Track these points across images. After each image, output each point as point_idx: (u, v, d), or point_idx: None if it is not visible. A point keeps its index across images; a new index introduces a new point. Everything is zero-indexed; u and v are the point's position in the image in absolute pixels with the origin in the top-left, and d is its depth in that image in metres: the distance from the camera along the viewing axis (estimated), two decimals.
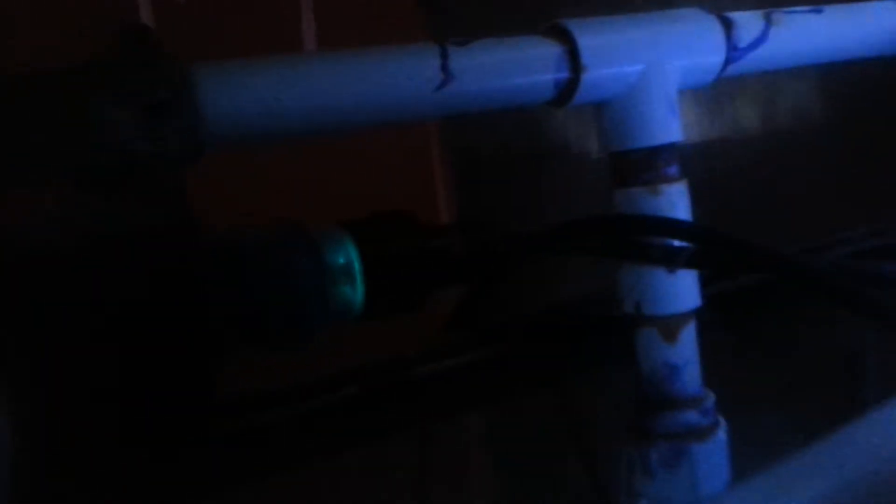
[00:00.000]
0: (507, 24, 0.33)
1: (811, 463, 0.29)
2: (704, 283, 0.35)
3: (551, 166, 0.55)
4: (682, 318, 0.34)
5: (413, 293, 0.35)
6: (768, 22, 0.37)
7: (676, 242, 0.34)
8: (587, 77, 0.32)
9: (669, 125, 0.34)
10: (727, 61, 0.36)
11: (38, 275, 0.36)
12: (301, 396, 0.46)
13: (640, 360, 0.35)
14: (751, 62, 0.36)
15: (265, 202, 0.44)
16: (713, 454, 0.34)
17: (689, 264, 0.34)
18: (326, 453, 0.46)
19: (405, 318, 0.35)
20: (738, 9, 0.37)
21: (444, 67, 0.30)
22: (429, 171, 0.50)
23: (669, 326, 0.34)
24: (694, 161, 0.37)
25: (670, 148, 0.34)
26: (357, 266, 0.32)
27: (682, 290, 0.34)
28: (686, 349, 0.35)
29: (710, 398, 0.35)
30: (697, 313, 0.35)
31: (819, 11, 0.38)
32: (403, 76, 0.30)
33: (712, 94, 0.61)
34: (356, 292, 0.32)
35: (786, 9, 0.38)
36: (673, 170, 0.34)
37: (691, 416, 0.34)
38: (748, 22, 0.36)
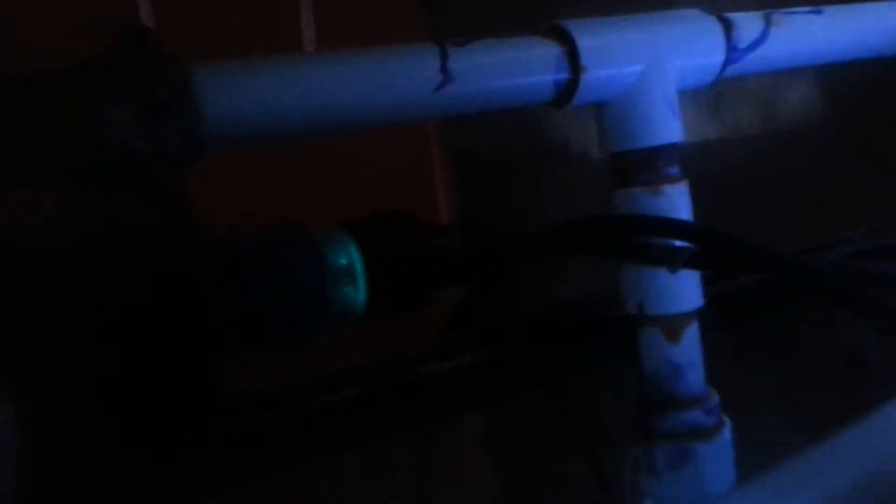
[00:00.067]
0: (508, 25, 0.33)
1: (816, 463, 0.29)
2: (706, 284, 0.35)
3: (551, 166, 0.55)
4: (684, 317, 0.34)
5: (414, 293, 0.35)
6: (768, 23, 0.37)
7: (677, 243, 0.34)
8: (587, 78, 0.32)
9: (669, 125, 0.34)
10: (727, 62, 0.36)
11: (38, 275, 0.36)
12: (302, 396, 0.46)
13: (643, 360, 0.35)
14: (750, 63, 0.36)
15: (265, 202, 0.44)
16: (718, 454, 0.34)
17: (690, 265, 0.34)
18: (327, 453, 0.46)
19: (406, 319, 0.35)
20: (737, 9, 0.37)
21: (444, 68, 0.30)
22: (429, 171, 0.50)
23: (672, 326, 0.34)
24: (694, 161, 0.37)
25: (671, 148, 0.34)
26: (359, 266, 0.32)
27: (685, 289, 0.34)
28: (689, 349, 0.35)
29: (715, 398, 0.35)
30: (700, 313, 0.35)
31: (819, 12, 0.38)
32: (403, 77, 0.30)
33: (712, 94, 0.61)
34: (358, 293, 0.32)
35: (786, 9, 0.38)
36: (674, 170, 0.34)
37: (696, 415, 0.34)
38: (748, 23, 0.36)
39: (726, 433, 0.35)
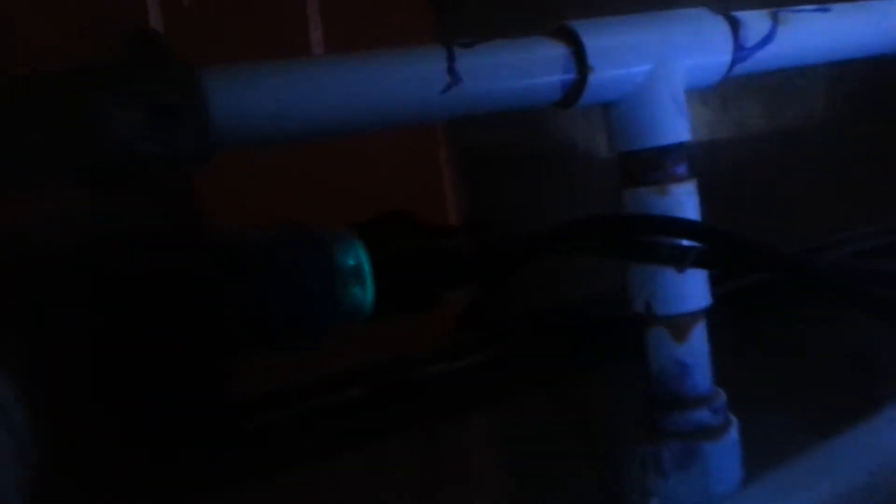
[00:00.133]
0: (515, 26, 0.33)
1: (824, 462, 0.29)
2: (714, 283, 0.35)
3: (558, 167, 0.55)
4: (692, 316, 0.34)
5: (421, 294, 0.35)
6: (775, 21, 0.37)
7: (685, 242, 0.34)
8: (594, 78, 0.32)
9: (677, 125, 0.34)
10: (734, 61, 0.36)
11: (46, 275, 0.36)
12: (309, 397, 0.46)
13: (651, 359, 0.35)
14: (758, 62, 0.36)
15: (272, 203, 0.44)
16: (726, 453, 0.34)
17: (697, 264, 0.34)
18: (333, 453, 0.46)
19: (413, 319, 0.35)
20: (745, 8, 0.37)
21: (451, 70, 0.30)
22: (436, 172, 0.50)
23: (680, 325, 0.34)
24: (700, 160, 0.37)
25: (678, 148, 0.34)
26: (367, 267, 0.32)
27: (692, 289, 0.34)
28: (697, 348, 0.35)
29: (722, 397, 0.35)
30: (707, 312, 0.35)
31: (826, 10, 0.38)
32: (410, 79, 0.30)
33: (719, 93, 0.61)
34: (366, 293, 0.32)
35: (793, 8, 0.38)
36: (681, 169, 0.34)
37: (703, 414, 0.34)
38: (755, 21, 0.36)
39: (733, 432, 0.35)
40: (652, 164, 0.34)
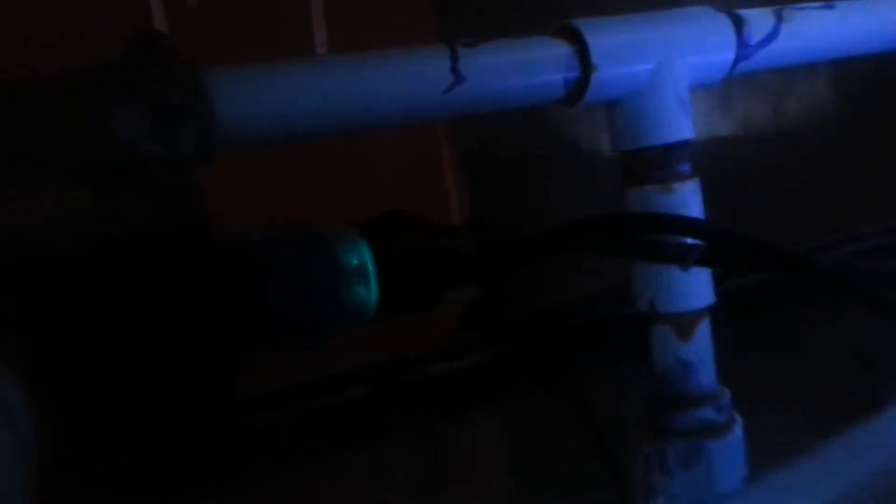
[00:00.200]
0: (519, 25, 0.33)
1: (828, 461, 0.29)
2: (717, 281, 0.35)
3: (562, 165, 0.55)
4: (696, 315, 0.34)
5: (425, 293, 0.35)
6: (779, 19, 0.36)
7: (689, 240, 0.34)
8: (597, 76, 0.32)
9: (681, 123, 0.34)
10: (738, 59, 0.36)
11: (50, 275, 0.36)
12: (312, 396, 0.46)
13: (655, 357, 0.35)
14: (762, 59, 0.36)
15: (273, 202, 0.44)
16: (730, 451, 0.34)
17: (701, 262, 0.34)
18: (336, 453, 0.46)
19: (415, 319, 0.35)
20: (748, 6, 0.37)
21: (454, 69, 0.30)
22: (439, 171, 0.50)
23: (684, 324, 0.34)
24: (704, 158, 0.37)
25: (682, 146, 0.34)
26: (371, 267, 0.32)
27: (696, 287, 0.34)
28: (701, 346, 0.35)
29: (726, 395, 0.35)
30: (711, 311, 0.35)
31: (831, 7, 0.38)
32: (414, 78, 0.30)
33: (722, 90, 0.61)
34: (370, 293, 0.32)
35: (797, 5, 0.38)
36: (685, 167, 0.34)
37: (707, 413, 0.34)
38: (759, 19, 0.36)
39: (738, 431, 0.35)
40: (655, 163, 0.34)
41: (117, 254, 0.38)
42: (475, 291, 0.42)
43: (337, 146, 0.41)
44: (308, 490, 0.45)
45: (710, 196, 0.35)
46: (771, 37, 0.36)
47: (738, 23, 0.36)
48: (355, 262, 0.32)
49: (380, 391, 0.47)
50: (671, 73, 0.34)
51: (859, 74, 0.62)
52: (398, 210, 0.35)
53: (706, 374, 0.35)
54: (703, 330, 0.35)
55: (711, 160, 0.39)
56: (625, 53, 0.33)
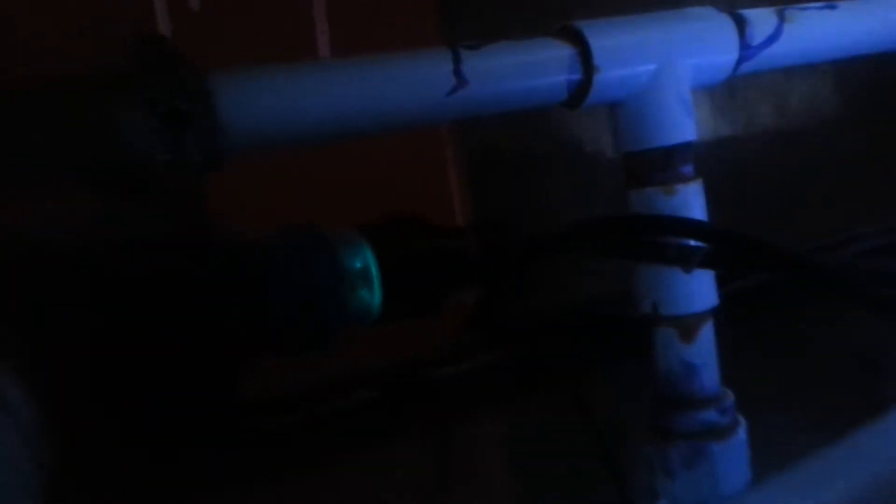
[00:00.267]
0: (521, 26, 0.33)
1: (831, 463, 0.29)
2: (721, 283, 0.35)
3: (565, 167, 0.55)
4: (699, 317, 0.34)
5: (429, 296, 0.35)
6: (781, 19, 0.36)
7: (692, 242, 0.34)
8: (600, 78, 0.32)
9: (683, 124, 0.34)
10: (740, 59, 0.36)
11: (57, 277, 0.36)
12: (316, 399, 0.46)
13: (658, 359, 0.35)
14: (764, 60, 0.36)
15: (276, 203, 0.44)
16: (733, 453, 0.34)
17: (704, 264, 0.34)
18: (341, 455, 0.46)
19: (420, 321, 0.35)
20: (751, 6, 0.37)
21: (457, 72, 0.30)
22: (442, 173, 0.50)
23: (687, 326, 0.34)
24: (707, 159, 0.37)
25: (685, 147, 0.34)
26: (374, 270, 0.32)
27: (699, 289, 0.34)
28: (704, 348, 0.35)
29: (730, 397, 0.35)
30: (714, 313, 0.35)
31: (833, 7, 0.38)
32: (417, 82, 0.30)
33: (725, 91, 0.61)
34: (374, 296, 0.32)
35: (799, 5, 0.38)
36: (687, 169, 0.34)
37: (711, 415, 0.34)
38: (761, 19, 0.36)
39: (741, 433, 0.35)
40: (658, 164, 0.34)
41: (119, 254, 0.38)
42: (479, 293, 0.42)
43: (340, 148, 0.41)
44: (312, 491, 0.45)
45: (711, 196, 0.35)
46: (773, 37, 0.36)
47: (741, 23, 0.36)
48: (359, 265, 0.32)
49: (384, 393, 0.47)
50: (673, 75, 0.34)
51: (860, 75, 0.62)
52: (401, 212, 0.35)
53: (709, 376, 0.35)
54: (707, 332, 0.35)
55: (712, 160, 0.39)
56: (627, 55, 0.33)
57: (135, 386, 0.39)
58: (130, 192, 0.29)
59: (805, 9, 0.37)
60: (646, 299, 0.35)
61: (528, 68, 0.32)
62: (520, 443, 0.52)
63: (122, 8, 0.40)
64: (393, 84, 0.30)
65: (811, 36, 0.38)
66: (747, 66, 0.36)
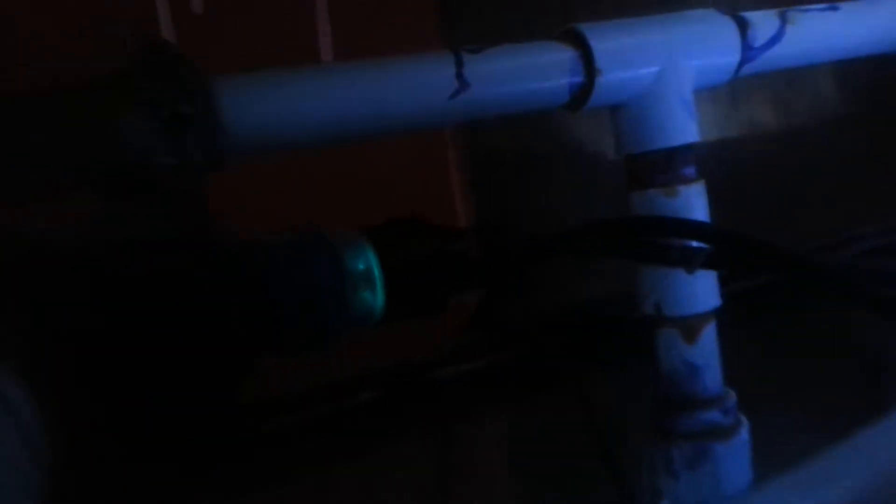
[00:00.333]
0: (523, 29, 0.33)
1: (834, 463, 0.29)
2: (723, 283, 0.35)
3: (567, 169, 0.55)
4: (702, 318, 0.35)
5: (432, 297, 0.35)
6: (783, 21, 0.36)
7: (694, 244, 0.34)
8: (602, 81, 0.33)
9: (685, 126, 0.34)
10: (742, 61, 0.36)
11: (57, 277, 0.36)
12: (318, 400, 0.46)
13: (661, 360, 0.35)
14: (766, 61, 0.36)
15: (278, 205, 0.44)
16: (736, 454, 0.35)
17: (707, 265, 0.34)
18: (342, 455, 0.46)
19: (423, 322, 0.35)
20: (753, 8, 0.37)
21: (459, 75, 0.30)
22: (445, 175, 0.50)
23: (690, 327, 0.34)
24: (709, 160, 0.37)
25: (687, 149, 0.34)
26: (377, 272, 0.32)
27: (702, 290, 0.34)
28: (707, 349, 0.35)
29: (732, 398, 0.35)
30: (717, 313, 0.35)
31: (835, 9, 0.38)
32: (419, 85, 0.30)
33: (726, 92, 0.61)
34: (376, 298, 0.33)
35: (801, 7, 0.38)
36: (689, 171, 0.34)
37: (713, 415, 0.34)
38: (763, 21, 0.36)
39: (744, 433, 0.35)
40: (660, 166, 0.34)
41: (119, 254, 0.38)
42: (481, 294, 0.42)
43: (342, 150, 0.41)
44: (312, 491, 0.45)
45: (711, 196, 0.35)
46: (775, 39, 0.36)
47: (743, 25, 0.36)
48: (361, 266, 0.33)
49: (385, 393, 0.47)
50: (675, 77, 0.34)
51: (860, 75, 0.62)
52: (405, 214, 0.35)
53: (712, 376, 0.35)
54: (709, 333, 0.35)
55: (713, 161, 0.39)
56: (629, 57, 0.33)
57: (135, 386, 0.39)
58: (131, 193, 0.29)
59: (807, 10, 0.38)
60: (648, 300, 0.35)
61: (530, 71, 0.32)
62: (520, 443, 0.52)
63: (122, 9, 0.40)
64: (395, 87, 0.30)
65: (813, 37, 0.38)
66: (749, 68, 0.36)
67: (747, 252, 0.34)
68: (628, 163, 0.35)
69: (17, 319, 0.34)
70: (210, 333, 0.38)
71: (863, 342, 0.53)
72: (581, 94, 0.33)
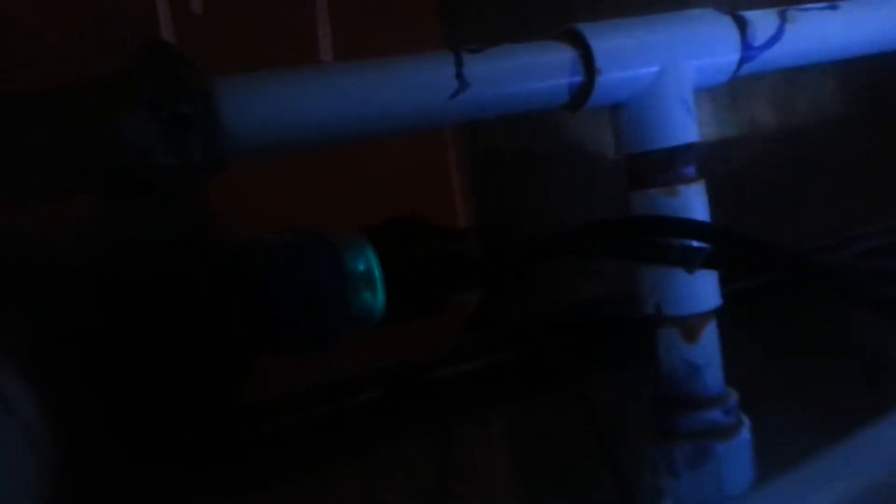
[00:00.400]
0: (523, 29, 0.33)
1: (836, 463, 0.29)
2: (724, 283, 0.35)
3: (567, 168, 0.55)
4: (702, 317, 0.35)
5: (432, 297, 0.35)
6: (783, 20, 0.36)
7: (695, 243, 0.34)
8: (601, 80, 0.33)
9: (685, 126, 0.34)
10: (742, 60, 0.36)
11: (57, 277, 0.36)
12: (319, 400, 0.46)
13: (661, 360, 0.35)
14: (766, 61, 0.36)
15: (278, 205, 0.44)
16: (737, 453, 0.34)
17: (707, 265, 0.34)
18: (343, 456, 0.46)
19: (423, 322, 0.35)
20: (753, 8, 0.37)
21: (459, 75, 0.30)
22: (445, 175, 0.50)
23: (690, 326, 0.34)
24: (709, 159, 0.37)
25: (687, 149, 0.34)
26: (377, 272, 0.32)
27: (702, 289, 0.34)
28: (707, 348, 0.35)
29: (733, 397, 0.35)
30: (718, 313, 0.35)
31: (835, 8, 0.38)
32: (419, 85, 0.30)
33: (725, 92, 0.61)
34: (376, 298, 0.33)
35: (801, 6, 0.38)
36: (690, 170, 0.34)
37: (714, 415, 0.34)
38: (763, 20, 0.36)
39: (745, 433, 0.35)
40: (660, 166, 0.34)
41: (119, 254, 0.38)
42: (481, 294, 0.42)
43: (342, 150, 0.41)
44: (312, 491, 0.45)
45: (711, 196, 0.35)
46: (775, 38, 0.36)
47: (742, 24, 0.36)
48: (362, 267, 0.33)
49: (385, 393, 0.47)
50: (675, 76, 0.34)
51: (860, 75, 0.62)
52: (405, 214, 0.35)
53: (713, 376, 0.35)
54: (710, 332, 0.35)
55: (713, 160, 0.39)
56: (629, 57, 0.33)
57: (135, 386, 0.39)
58: (131, 193, 0.29)
59: (807, 9, 0.38)
60: (649, 300, 0.35)
61: (530, 71, 0.32)
62: (520, 443, 0.52)
63: (122, 9, 0.40)
64: (395, 87, 0.30)
65: (813, 37, 0.38)
66: (749, 68, 0.36)
67: (748, 252, 0.34)
68: (628, 162, 0.35)
69: (17, 319, 0.34)
70: (210, 333, 0.38)
71: (863, 342, 0.53)
72: (581, 93, 0.33)
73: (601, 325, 0.50)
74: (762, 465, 0.35)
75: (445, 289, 0.36)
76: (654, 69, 0.33)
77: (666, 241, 0.34)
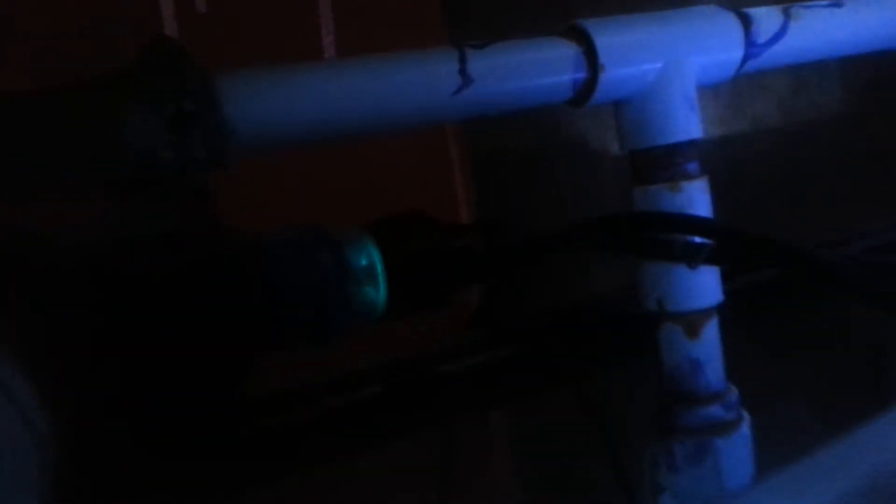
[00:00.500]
0: (528, 25, 0.33)
1: (836, 458, 0.29)
2: (725, 279, 0.35)
3: (570, 164, 0.55)
4: (704, 313, 0.35)
5: (434, 293, 0.35)
6: (787, 17, 0.36)
7: (697, 239, 0.34)
8: (605, 76, 0.33)
9: (689, 122, 0.34)
10: (746, 57, 0.36)
11: (60, 275, 0.36)
12: (320, 396, 0.46)
13: (663, 356, 0.35)
14: (770, 58, 0.36)
15: (280, 202, 0.44)
16: (737, 448, 0.35)
17: (710, 261, 0.34)
18: (346, 452, 0.46)
19: (425, 318, 0.35)
20: (756, 5, 0.37)
21: (462, 71, 0.30)
22: (447, 171, 0.50)
23: (692, 322, 0.35)
24: (712, 155, 0.37)
25: (690, 145, 0.34)
26: (379, 267, 0.32)
27: (704, 286, 0.34)
28: (709, 344, 0.35)
29: (734, 393, 0.36)
30: (720, 309, 0.35)
31: (839, 5, 0.38)
32: (423, 81, 0.30)
33: (731, 89, 0.61)
34: (379, 293, 0.33)
35: (805, 3, 0.38)
36: (693, 166, 0.34)
37: (715, 410, 0.34)
38: (767, 17, 0.36)
39: (746, 428, 0.35)
40: (663, 162, 0.34)
41: (122, 253, 0.38)
42: (483, 290, 0.42)
43: (344, 148, 0.41)
44: (312, 491, 0.45)
45: (714, 193, 0.35)
46: (779, 35, 0.36)
47: (746, 21, 0.36)
48: (364, 262, 0.33)
49: (386, 390, 0.47)
50: (679, 73, 0.34)
51: (862, 74, 0.62)
52: (407, 210, 0.35)
53: (714, 371, 0.35)
54: (712, 328, 0.35)
55: (714, 159, 0.39)
56: (632, 53, 0.33)
57: (137, 384, 0.39)
58: (134, 191, 0.29)
59: (811, 7, 0.38)
60: (651, 296, 0.35)
61: (534, 67, 0.32)
62: (523, 441, 0.52)
63: (123, 8, 0.40)
64: (398, 84, 0.30)
65: (817, 34, 0.38)
66: (753, 65, 0.36)
67: (750, 247, 0.34)
68: (632, 158, 0.35)
69: (18, 318, 0.34)
70: (211, 331, 0.38)
71: (864, 338, 0.53)
72: (585, 89, 0.33)
73: (602, 322, 0.50)
74: (762, 460, 0.35)
75: (447, 284, 0.36)
76: (658, 65, 0.34)
77: (668, 236, 0.34)
